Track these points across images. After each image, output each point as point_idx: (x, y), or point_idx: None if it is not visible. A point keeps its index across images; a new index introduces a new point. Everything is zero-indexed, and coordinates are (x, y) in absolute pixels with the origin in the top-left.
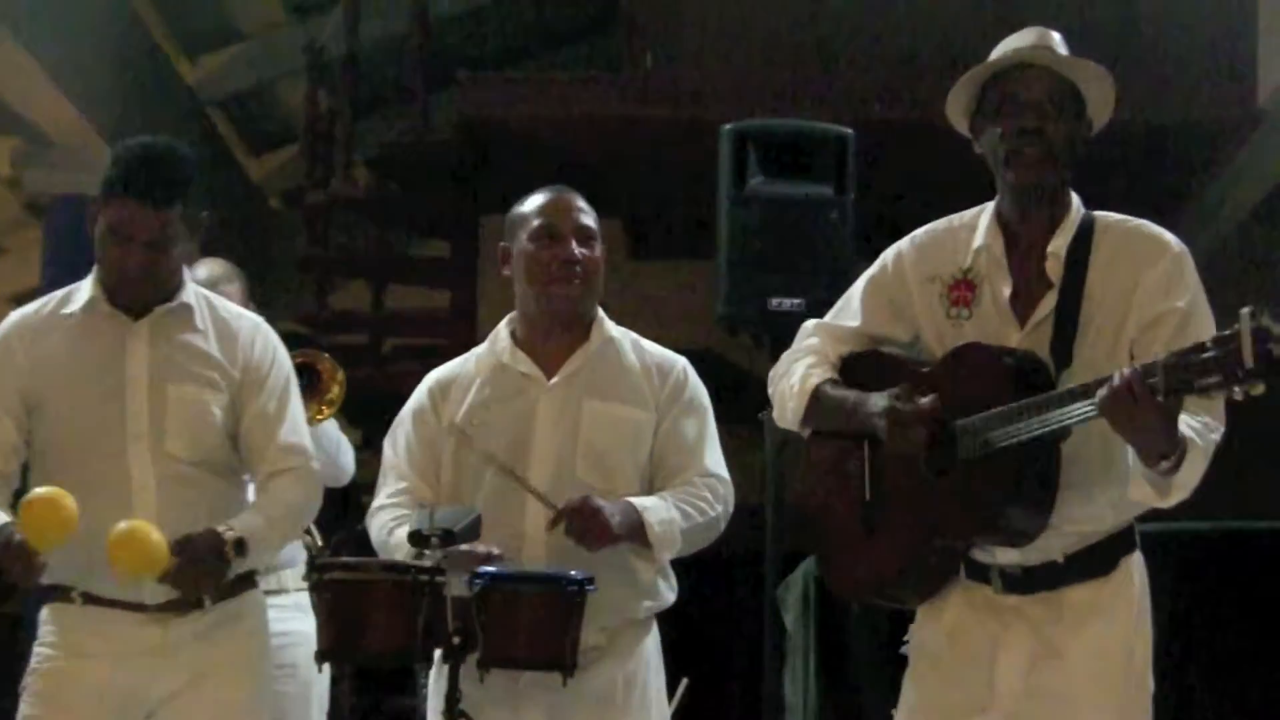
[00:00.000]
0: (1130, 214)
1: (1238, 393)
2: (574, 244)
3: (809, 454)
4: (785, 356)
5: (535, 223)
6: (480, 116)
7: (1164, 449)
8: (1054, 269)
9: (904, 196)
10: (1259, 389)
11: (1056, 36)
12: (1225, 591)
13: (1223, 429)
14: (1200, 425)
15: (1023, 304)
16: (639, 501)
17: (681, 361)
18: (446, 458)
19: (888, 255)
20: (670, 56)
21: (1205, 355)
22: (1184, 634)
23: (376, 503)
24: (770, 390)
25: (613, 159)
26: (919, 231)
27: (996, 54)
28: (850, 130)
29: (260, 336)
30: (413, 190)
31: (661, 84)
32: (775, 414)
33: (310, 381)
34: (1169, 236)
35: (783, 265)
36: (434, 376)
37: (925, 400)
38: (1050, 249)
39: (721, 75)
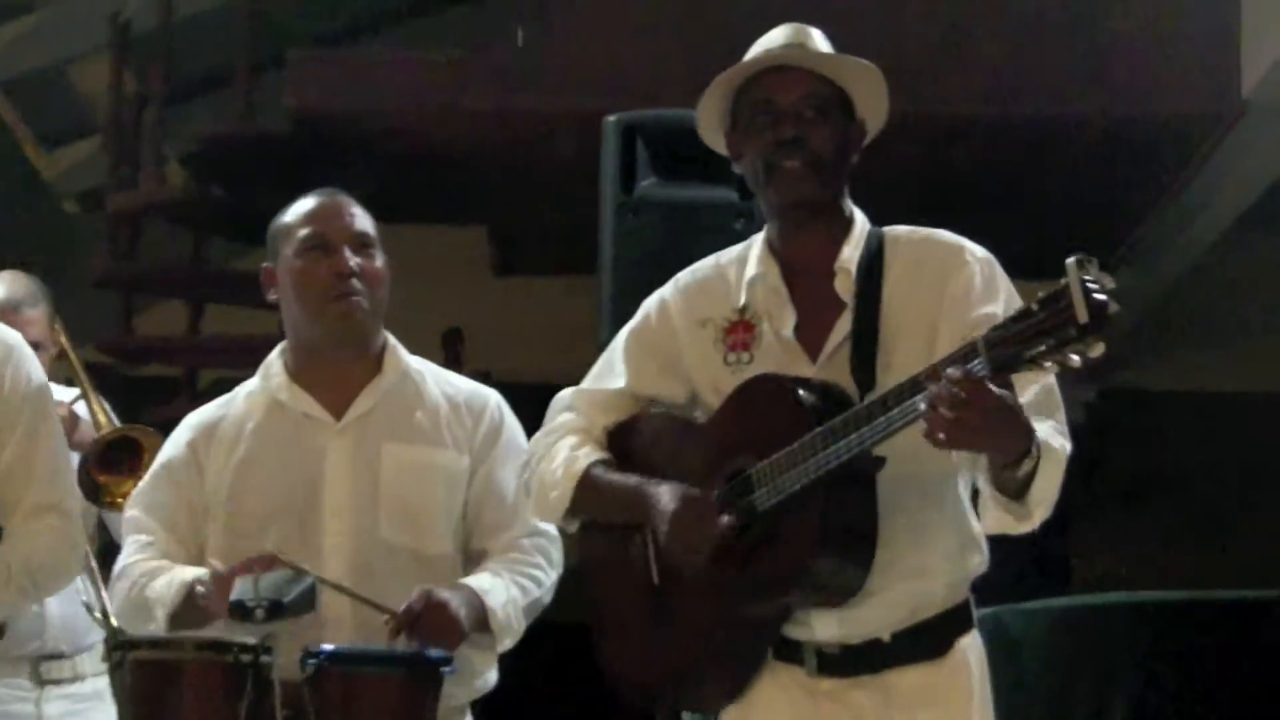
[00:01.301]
0: (1101, 217)
1: (1074, 359)
2: (348, 253)
3: (580, 548)
4: (539, 437)
5: (301, 233)
6: (317, 105)
7: (1019, 443)
8: (844, 286)
9: None
10: (1098, 349)
11: (815, 33)
12: (1194, 664)
13: (1069, 444)
14: (1048, 428)
15: (812, 334)
16: (476, 583)
17: (495, 397)
18: (217, 526)
19: (649, 305)
20: (545, 34)
21: (1031, 320)
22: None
23: (119, 565)
24: (524, 477)
25: (477, 156)
26: (682, 275)
27: (749, 56)
28: None
29: (14, 362)
30: (237, 192)
31: (534, 66)
32: (532, 506)
33: (129, 457)
34: (969, 244)
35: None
36: (194, 420)
37: (724, 521)
38: (838, 264)
39: (606, 56)
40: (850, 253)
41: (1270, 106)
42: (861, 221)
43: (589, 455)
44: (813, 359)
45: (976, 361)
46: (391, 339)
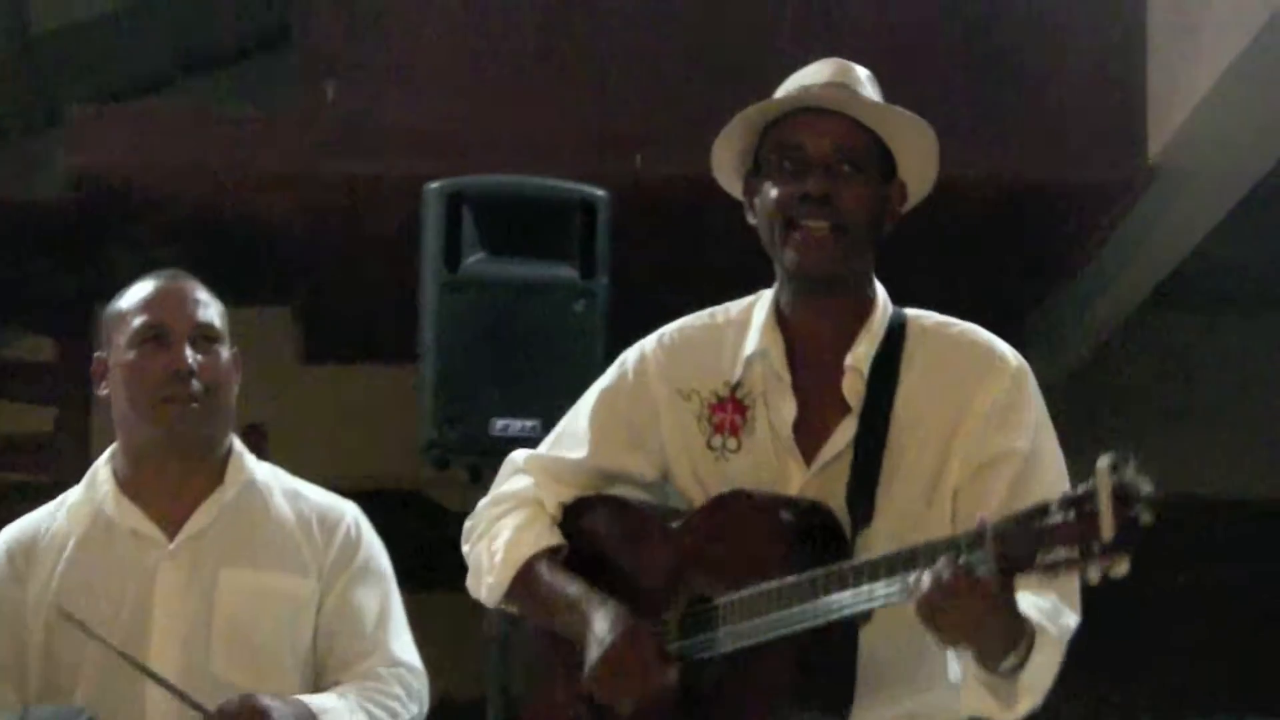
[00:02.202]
0: (992, 298)
1: (1093, 574)
2: (188, 349)
3: (517, 632)
4: (484, 505)
5: (136, 322)
6: (99, 167)
7: (1005, 643)
8: (853, 388)
9: (678, 282)
10: (1122, 568)
11: (862, 73)
12: None
13: (1077, 617)
14: (1049, 606)
15: (810, 433)
16: (316, 701)
17: (351, 512)
18: (35, 649)
19: (627, 359)
20: (361, 87)
21: (1051, 521)
22: None
23: None
24: (465, 548)
25: (281, 227)
26: (671, 328)
27: (781, 92)
28: (603, 191)
29: None
30: (5, 268)
31: (347, 125)
32: (470, 581)
33: None
34: (1005, 348)
35: (511, 375)
36: (9, 536)
37: (668, 676)
38: (849, 360)
39: (429, 114)
40: (865, 349)
41: (1180, 172)
42: (883, 304)
43: (536, 540)
44: (807, 463)
45: (979, 554)
46: (238, 444)
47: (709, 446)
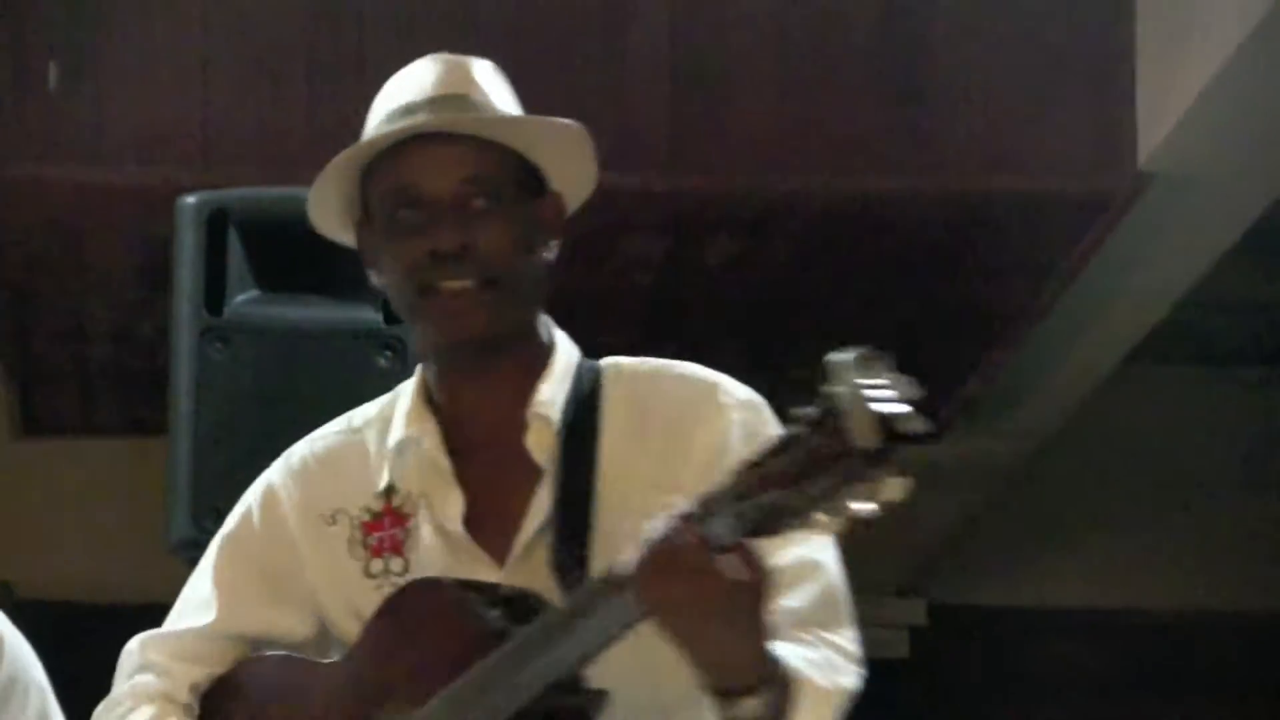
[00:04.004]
0: (923, 353)
1: (861, 508)
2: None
3: None
4: (99, 713)
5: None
6: None
7: (740, 670)
8: (541, 442)
9: None
10: (894, 488)
11: (478, 69)
12: None
13: (857, 678)
14: (819, 658)
15: (495, 524)
16: None
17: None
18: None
19: (250, 497)
20: (92, 75)
21: (794, 452)
22: None
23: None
24: None
25: None
26: (299, 446)
27: (379, 115)
28: None
29: None
30: None
31: (76, 122)
32: None
33: None
34: (728, 382)
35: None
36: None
37: None
38: (532, 408)
39: (185, 107)
40: (551, 392)
41: (1177, 179)
42: (566, 350)
43: None
44: (498, 561)
45: (716, 520)
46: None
47: (368, 574)
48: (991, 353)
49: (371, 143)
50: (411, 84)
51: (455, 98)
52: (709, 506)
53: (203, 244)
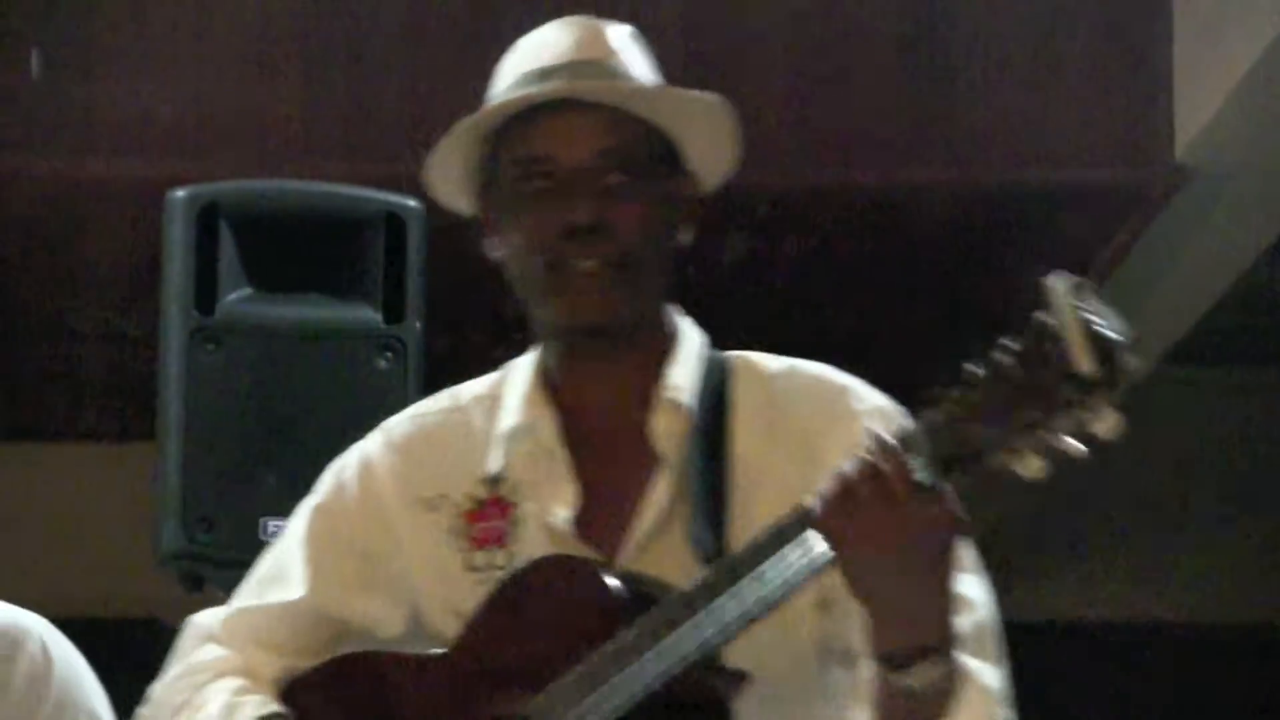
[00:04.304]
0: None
1: (1072, 443)
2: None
3: None
4: (169, 681)
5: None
6: None
7: (921, 627)
8: (670, 428)
9: (521, 327)
10: (1110, 421)
11: (616, 35)
12: None
13: (1011, 715)
14: (993, 673)
15: (607, 520)
16: None
17: (36, 630)
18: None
19: (345, 466)
20: (80, 60)
21: (997, 382)
22: None
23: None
24: None
25: None
26: (398, 419)
27: (509, 78)
28: (415, 202)
29: None
30: None
31: (60, 107)
32: None
33: None
34: (860, 387)
35: (288, 457)
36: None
37: None
38: (664, 390)
39: (175, 96)
40: (681, 376)
41: (1216, 171)
42: (692, 338)
43: (261, 705)
44: (610, 554)
45: (915, 459)
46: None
47: (470, 569)
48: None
49: (500, 107)
50: (547, 46)
51: (594, 63)
52: (905, 440)
53: (193, 239)
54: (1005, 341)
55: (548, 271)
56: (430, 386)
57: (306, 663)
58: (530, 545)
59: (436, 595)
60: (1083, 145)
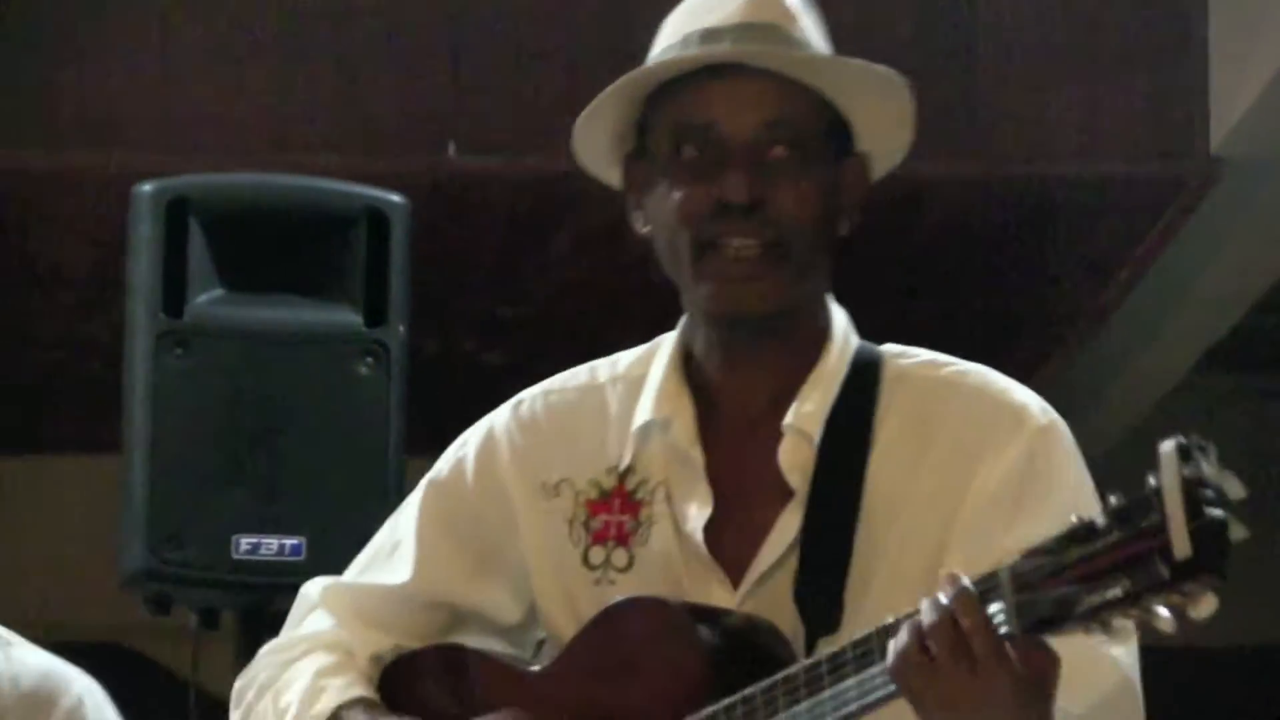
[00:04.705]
0: (996, 337)
1: (1164, 616)
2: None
3: None
4: (267, 652)
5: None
6: None
7: None
8: (796, 461)
9: (511, 332)
10: (1207, 605)
11: (794, 2)
12: None
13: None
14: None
15: (738, 537)
16: None
17: (79, 685)
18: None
19: (469, 441)
20: (40, 47)
21: (1094, 546)
22: None
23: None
24: (235, 715)
25: None
26: (533, 392)
27: (671, 37)
28: (399, 197)
29: None
30: None
31: (21, 99)
32: None
33: None
34: (1027, 398)
35: (262, 470)
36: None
37: None
38: (789, 420)
39: (139, 83)
40: (814, 405)
41: (1253, 165)
42: (843, 338)
43: (345, 688)
44: (734, 582)
45: (996, 606)
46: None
47: (586, 564)
48: (1044, 359)
49: (663, 66)
50: (715, 6)
51: (766, 27)
52: (987, 589)
53: (160, 236)
54: (1113, 498)
55: (696, 250)
56: (415, 394)
57: (415, 642)
58: (656, 551)
59: (554, 589)
60: (1117, 138)
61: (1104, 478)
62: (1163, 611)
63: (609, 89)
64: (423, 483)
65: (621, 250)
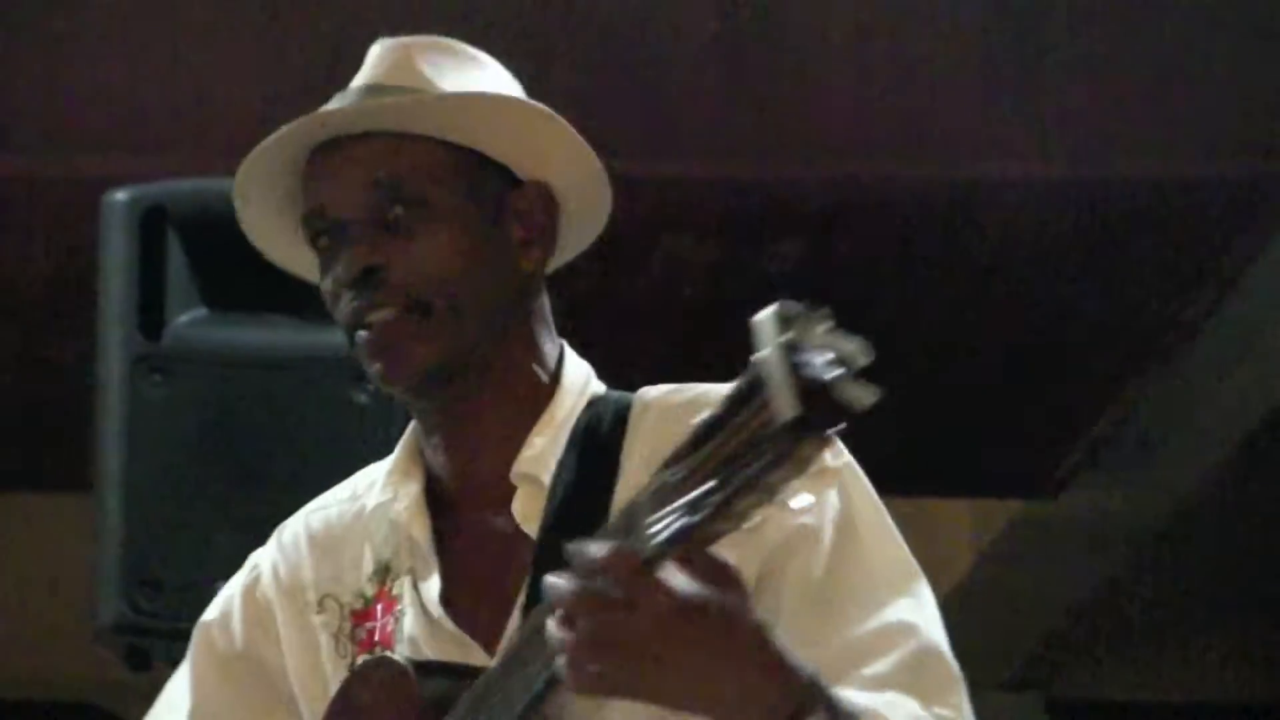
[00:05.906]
0: (1039, 380)
1: (798, 496)
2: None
3: None
4: None
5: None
6: None
7: (759, 690)
8: (531, 509)
9: None
10: (832, 455)
11: (434, 53)
12: None
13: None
14: (885, 702)
15: (483, 603)
16: None
17: None
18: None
19: (236, 577)
20: (3, 44)
21: (718, 437)
22: None
23: None
24: None
25: None
26: (297, 515)
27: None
28: None
29: None
30: None
31: None
32: None
33: None
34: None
35: (248, 509)
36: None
37: None
38: (519, 466)
39: (116, 82)
40: (538, 449)
41: None
42: (575, 384)
43: None
44: (489, 646)
45: (635, 536)
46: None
47: None
48: (1125, 383)
49: (248, 168)
50: (364, 72)
51: (381, 89)
52: (628, 520)
53: (136, 250)
54: (729, 386)
55: (352, 336)
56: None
57: None
58: (408, 634)
59: (317, 712)
60: (1204, 137)
61: (1194, 522)
62: (792, 491)
63: (239, 177)
64: (196, 627)
65: (647, 261)
